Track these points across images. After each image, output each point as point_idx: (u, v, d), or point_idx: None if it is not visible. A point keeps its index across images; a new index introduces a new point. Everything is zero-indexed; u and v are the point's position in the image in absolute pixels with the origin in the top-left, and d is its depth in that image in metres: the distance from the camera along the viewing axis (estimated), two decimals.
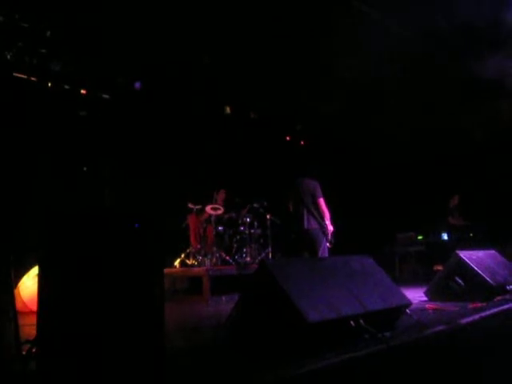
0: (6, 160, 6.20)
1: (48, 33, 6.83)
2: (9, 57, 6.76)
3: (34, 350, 2.26)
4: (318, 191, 6.29)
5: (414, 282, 8.37)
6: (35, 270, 5.45)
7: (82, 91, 7.78)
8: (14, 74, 7.02)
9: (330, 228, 6.19)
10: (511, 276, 5.48)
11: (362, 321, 2.94)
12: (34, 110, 6.99)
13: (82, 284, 1.89)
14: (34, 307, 2.07)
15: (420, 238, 10.32)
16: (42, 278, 1.97)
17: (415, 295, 5.32)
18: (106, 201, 2.34)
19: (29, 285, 5.26)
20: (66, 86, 7.58)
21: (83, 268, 1.90)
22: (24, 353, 2.39)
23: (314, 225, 6.20)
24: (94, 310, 1.87)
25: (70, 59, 7.35)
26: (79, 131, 7.25)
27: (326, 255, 6.16)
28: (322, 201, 6.24)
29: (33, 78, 7.18)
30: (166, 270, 6.93)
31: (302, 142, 11.70)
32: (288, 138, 11.43)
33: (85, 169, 2.39)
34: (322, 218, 6.20)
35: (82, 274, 1.90)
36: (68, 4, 6.37)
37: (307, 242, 6.24)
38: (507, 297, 4.80)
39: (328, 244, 6.22)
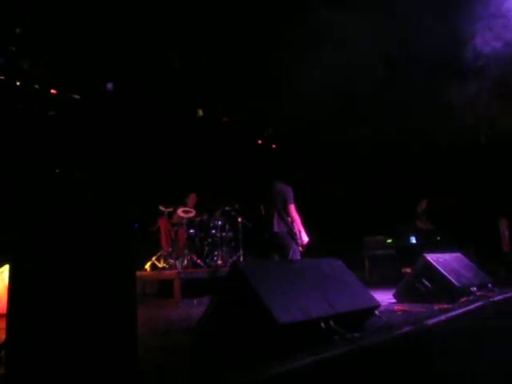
0: None
1: (18, 30, 6.71)
2: None
3: (1, 355, 2.23)
4: (290, 197, 6.29)
5: (383, 285, 8.50)
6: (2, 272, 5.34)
7: (52, 91, 7.66)
8: None
9: (305, 239, 6.22)
10: (476, 278, 5.64)
11: (332, 322, 2.99)
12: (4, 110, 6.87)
13: (53, 287, 1.87)
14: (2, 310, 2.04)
15: (389, 241, 10.49)
16: (12, 280, 1.94)
17: (384, 297, 5.41)
18: (75, 203, 2.33)
19: None
20: (36, 86, 7.46)
21: (54, 271, 1.89)
22: None
23: (283, 228, 6.21)
24: (65, 314, 1.85)
25: (39, 58, 7.23)
26: (48, 132, 7.14)
27: (297, 257, 6.15)
28: (292, 207, 6.26)
29: (1, 77, 7.05)
30: (136, 273, 6.87)
31: (274, 146, 11.77)
32: (260, 142, 11.48)
33: (57, 171, 2.36)
34: (292, 222, 6.22)
35: (52, 277, 1.88)
36: (38, 1, 6.28)
37: (276, 245, 6.26)
38: (472, 298, 4.94)
39: (300, 248, 6.23)
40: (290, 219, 6.22)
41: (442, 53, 7.59)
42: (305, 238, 6.23)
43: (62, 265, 1.89)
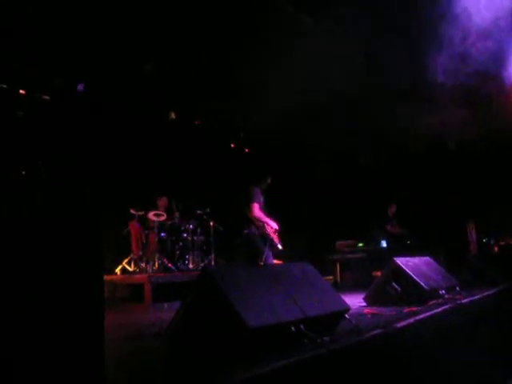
0: None
1: None
2: None
3: None
4: (251, 196, 6.19)
5: (354, 288, 8.58)
6: None
7: (21, 91, 7.51)
8: None
9: (271, 230, 6.14)
10: (444, 281, 5.74)
11: (302, 326, 2.99)
12: None
13: (13, 291, 1.82)
14: None
15: (360, 245, 10.60)
16: None
17: (355, 301, 5.46)
18: (42, 205, 2.28)
19: None
20: (4, 86, 7.30)
21: (15, 274, 1.84)
22: None
23: (254, 231, 6.16)
24: (27, 319, 1.80)
25: (7, 57, 7.08)
26: (16, 132, 7.00)
27: (270, 261, 6.13)
28: (253, 206, 6.14)
29: None
30: (106, 277, 6.78)
31: (247, 150, 11.79)
32: (232, 146, 11.49)
33: (23, 172, 2.31)
34: (264, 224, 6.15)
35: (13, 281, 1.83)
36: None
37: (246, 248, 6.25)
38: (440, 301, 5.02)
39: (280, 246, 6.17)
40: (257, 220, 6.14)
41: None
42: (270, 231, 6.16)
43: (23, 268, 1.84)
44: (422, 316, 4.13)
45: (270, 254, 6.18)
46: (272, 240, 6.12)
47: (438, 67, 7.36)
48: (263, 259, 6.00)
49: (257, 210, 6.14)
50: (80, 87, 8.18)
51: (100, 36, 6.82)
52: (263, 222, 6.14)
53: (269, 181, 6.47)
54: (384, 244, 10.25)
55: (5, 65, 7.11)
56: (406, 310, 4.50)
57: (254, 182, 6.39)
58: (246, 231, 6.18)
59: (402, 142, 10.45)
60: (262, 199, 6.33)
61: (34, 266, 1.84)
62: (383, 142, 11.03)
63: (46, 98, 7.92)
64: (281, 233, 6.39)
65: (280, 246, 6.18)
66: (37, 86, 7.69)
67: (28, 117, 7.45)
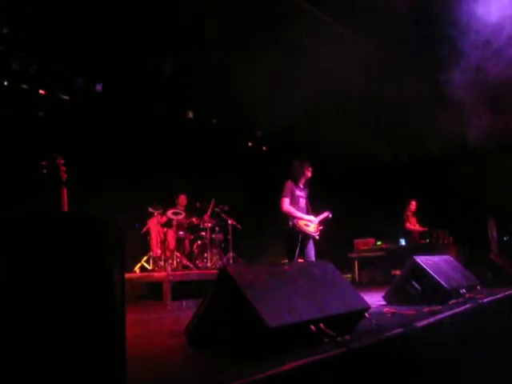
0: None
1: (4, 30, 6.65)
2: None
3: None
4: (282, 191, 6.07)
5: (372, 287, 8.54)
6: None
7: (41, 91, 7.61)
8: None
9: (302, 225, 5.92)
10: (465, 280, 5.67)
11: (321, 325, 2.98)
12: None
13: (36, 291, 1.84)
14: None
15: (379, 243, 10.53)
16: None
17: (374, 299, 5.42)
18: (63, 204, 2.31)
19: None
20: (25, 86, 7.41)
21: (38, 272, 1.86)
22: None
23: (288, 226, 5.99)
24: (49, 317, 1.82)
25: (28, 58, 7.18)
26: (37, 131, 7.10)
27: (309, 257, 6.00)
28: (282, 200, 6.01)
29: None
30: (125, 275, 6.83)
31: (264, 148, 11.79)
32: (250, 144, 11.50)
33: (44, 171, 2.34)
34: (292, 218, 5.95)
35: (36, 280, 1.85)
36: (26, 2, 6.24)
37: (285, 243, 6.06)
38: (461, 300, 4.96)
39: (316, 236, 6.00)
40: (291, 216, 5.96)
41: None
42: (308, 220, 6.00)
43: (46, 266, 1.86)
44: (442, 315, 4.08)
45: (310, 249, 6.03)
46: (304, 236, 5.94)
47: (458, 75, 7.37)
48: (297, 255, 5.84)
49: (285, 205, 5.99)
50: (98, 87, 8.26)
51: (119, 35, 6.87)
52: (294, 217, 5.96)
53: (305, 173, 6.20)
54: (403, 242, 10.17)
55: (26, 65, 7.22)
56: (426, 309, 4.45)
57: (288, 175, 6.21)
58: (283, 227, 6.04)
59: (423, 139, 10.31)
60: (297, 193, 6.14)
61: (57, 265, 1.86)
62: (403, 139, 10.91)
63: (66, 97, 8.01)
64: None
65: (313, 239, 6.00)
66: (57, 86, 7.78)
67: (48, 116, 7.56)
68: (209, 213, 8.59)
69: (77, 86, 8.04)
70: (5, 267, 1.84)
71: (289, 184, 6.10)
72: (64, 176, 2.54)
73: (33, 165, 2.60)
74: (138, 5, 6.40)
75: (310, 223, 6.05)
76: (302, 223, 5.97)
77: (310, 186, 6.43)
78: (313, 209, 6.27)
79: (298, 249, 5.82)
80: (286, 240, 6.03)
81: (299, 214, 6.02)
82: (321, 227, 6.17)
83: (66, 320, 1.82)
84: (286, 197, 6.02)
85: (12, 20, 6.61)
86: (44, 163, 2.55)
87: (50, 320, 1.80)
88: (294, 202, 6.07)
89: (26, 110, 7.39)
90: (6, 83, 7.23)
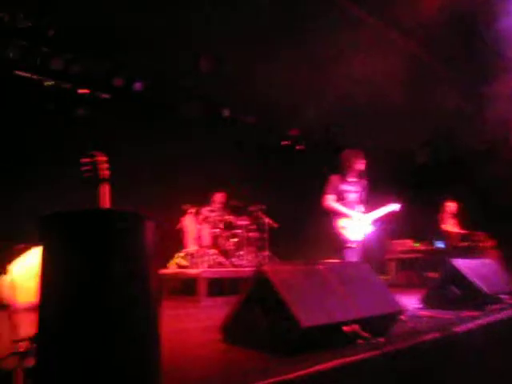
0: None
1: (50, 32, 6.85)
2: (11, 55, 6.78)
3: (32, 347, 2.27)
4: (325, 186, 5.62)
5: (409, 289, 8.39)
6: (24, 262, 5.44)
7: (83, 90, 7.81)
8: (16, 73, 7.06)
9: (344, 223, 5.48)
10: (506, 285, 5.50)
11: (355, 326, 2.96)
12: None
13: (84, 281, 1.90)
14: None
15: (416, 245, 10.35)
16: (44, 273, 1.98)
17: (410, 302, 5.33)
18: (104, 200, 2.39)
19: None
20: (67, 85, 7.62)
21: (86, 265, 1.92)
22: (22, 350, 2.39)
23: (329, 226, 5.61)
24: (96, 308, 1.88)
25: (71, 58, 7.39)
26: (78, 130, 7.29)
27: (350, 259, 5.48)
28: (324, 198, 5.58)
29: (34, 77, 7.22)
30: (161, 271, 6.95)
31: (299, 147, 11.77)
32: (285, 143, 11.50)
33: (87, 168, 2.41)
34: (334, 215, 5.54)
35: (84, 271, 1.91)
36: (70, 3, 6.40)
37: (330, 242, 5.68)
38: (501, 306, 4.82)
39: (353, 244, 5.49)
40: (333, 213, 5.55)
41: None
42: (354, 218, 5.54)
43: (91, 260, 1.92)
44: (482, 321, 3.97)
45: (353, 255, 5.54)
46: (339, 238, 5.52)
47: None
48: (341, 255, 5.49)
49: (325, 201, 5.57)
50: (138, 85, 8.41)
51: (157, 35, 6.97)
52: (336, 214, 5.55)
53: (352, 166, 5.67)
54: (441, 244, 9.96)
55: (68, 65, 7.42)
56: (464, 314, 4.34)
57: (334, 170, 5.76)
58: (327, 225, 5.64)
59: (462, 139, 10.07)
60: (344, 188, 5.67)
61: (97, 259, 1.91)
62: (442, 139, 10.68)
63: (106, 96, 8.20)
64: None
65: (350, 240, 5.50)
66: (97, 84, 7.97)
67: (89, 115, 7.76)
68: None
69: (134, 89, 8.24)
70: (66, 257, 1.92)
71: (332, 179, 5.66)
72: (106, 173, 2.60)
73: (76, 162, 2.67)
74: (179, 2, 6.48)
75: (357, 226, 5.57)
76: (345, 226, 5.52)
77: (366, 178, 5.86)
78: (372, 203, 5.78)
79: (342, 250, 5.46)
80: (331, 239, 5.66)
81: (343, 210, 5.56)
82: (373, 229, 5.68)
83: (108, 313, 1.87)
84: (327, 193, 5.60)
85: (57, 23, 6.81)
86: (85, 160, 2.62)
87: (96, 313, 1.86)
88: (340, 197, 5.61)
89: (68, 109, 7.60)
90: (49, 83, 7.45)
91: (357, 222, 5.59)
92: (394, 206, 5.89)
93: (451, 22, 6.54)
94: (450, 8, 6.23)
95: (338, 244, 5.52)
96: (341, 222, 5.55)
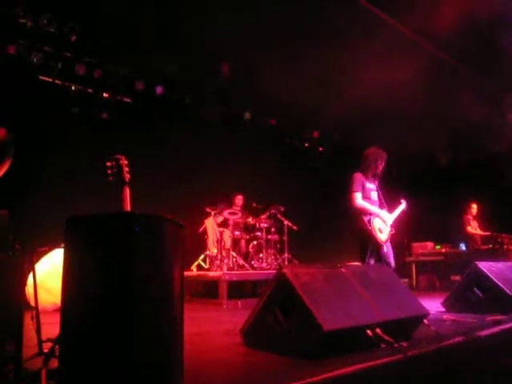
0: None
1: (73, 37, 6.96)
2: (35, 60, 6.91)
3: (55, 349, 2.30)
4: (350, 184, 5.30)
5: (431, 292, 8.30)
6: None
7: (105, 94, 7.91)
8: (40, 78, 7.19)
9: (375, 224, 5.16)
10: None
11: (378, 330, 2.93)
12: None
13: (107, 283, 1.93)
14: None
15: (438, 247, 10.23)
16: (67, 275, 2.01)
17: (432, 305, 5.27)
18: (126, 203, 2.42)
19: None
20: (90, 90, 7.73)
21: (109, 267, 1.94)
22: (46, 351, 2.43)
23: (357, 226, 5.26)
24: (119, 310, 1.90)
25: (94, 63, 7.50)
26: (102, 133, 7.40)
27: (388, 259, 5.21)
28: (353, 196, 5.22)
29: (57, 82, 7.34)
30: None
31: (321, 149, 11.73)
32: (306, 145, 11.48)
33: (109, 171, 2.45)
34: (364, 215, 5.19)
35: (107, 274, 1.93)
36: (94, 9, 6.51)
37: (358, 244, 5.31)
38: None
39: (384, 247, 5.18)
40: (359, 212, 5.23)
41: None
42: (384, 218, 5.30)
43: (115, 261, 1.94)
44: (507, 325, 3.90)
45: (388, 251, 5.27)
46: (373, 237, 5.15)
47: None
48: (367, 259, 5.15)
49: (357, 200, 5.21)
50: (159, 89, 8.49)
51: (179, 39, 7.04)
52: (369, 214, 5.23)
53: (377, 165, 5.42)
54: (463, 247, 9.82)
55: (90, 70, 7.54)
56: (488, 318, 4.27)
57: (357, 167, 5.48)
58: (354, 227, 5.33)
59: (485, 140, 9.92)
60: (368, 185, 5.39)
61: (121, 261, 1.94)
62: (466, 140, 10.52)
63: (128, 100, 8.29)
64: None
65: (381, 242, 5.17)
66: (119, 89, 8.07)
67: (112, 118, 7.87)
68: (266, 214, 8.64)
69: (155, 93, 8.34)
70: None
71: (358, 176, 5.35)
72: (127, 176, 2.63)
73: (98, 165, 2.71)
74: (199, 7, 6.52)
75: (385, 225, 5.33)
76: (376, 226, 5.22)
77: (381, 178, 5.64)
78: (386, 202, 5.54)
79: (369, 250, 5.14)
80: (357, 241, 5.31)
81: (374, 209, 5.30)
82: (393, 231, 5.41)
83: (131, 315, 1.89)
84: (357, 191, 5.24)
85: (80, 28, 6.92)
86: (108, 163, 2.65)
87: (119, 315, 1.89)
88: (366, 195, 5.32)
89: (91, 113, 7.71)
90: (73, 87, 7.57)
91: (385, 222, 5.39)
92: (403, 205, 5.69)
93: (472, 27, 6.49)
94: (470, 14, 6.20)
95: (371, 243, 5.16)
96: (374, 221, 5.24)
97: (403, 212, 5.66)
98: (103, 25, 6.91)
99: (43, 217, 6.13)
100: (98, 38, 7.09)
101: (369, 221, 5.19)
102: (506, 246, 9.06)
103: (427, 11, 6.37)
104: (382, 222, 5.34)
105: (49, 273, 5.50)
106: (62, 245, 2.08)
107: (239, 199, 8.77)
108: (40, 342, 2.67)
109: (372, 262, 5.15)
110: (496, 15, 6.40)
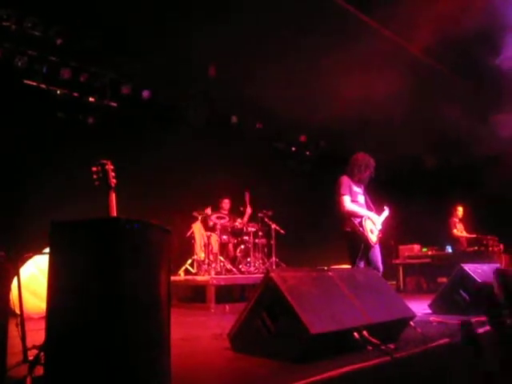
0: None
1: (58, 41, 6.91)
2: (19, 64, 6.85)
3: (41, 356, 2.28)
4: (338, 188, 5.29)
5: (417, 295, 8.36)
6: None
7: (91, 99, 7.87)
8: (25, 82, 7.13)
9: (367, 227, 5.16)
10: None
11: (365, 332, 2.95)
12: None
13: (93, 288, 1.92)
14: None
15: (424, 250, 10.30)
16: (53, 280, 1.99)
17: (419, 308, 5.31)
18: (111, 208, 2.42)
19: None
20: (75, 94, 7.68)
21: (95, 272, 1.93)
22: (31, 358, 2.41)
23: (347, 228, 5.22)
24: (105, 315, 1.89)
25: (80, 67, 7.45)
26: (85, 138, 7.35)
27: (376, 263, 5.21)
28: (342, 199, 5.20)
29: (42, 86, 7.29)
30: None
31: (308, 153, 11.77)
32: (293, 149, 11.51)
33: (94, 176, 2.43)
34: (355, 218, 5.19)
35: (94, 279, 1.92)
36: (79, 12, 6.48)
37: (347, 247, 5.28)
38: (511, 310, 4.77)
39: (374, 249, 5.22)
40: (354, 216, 5.20)
41: None
42: (375, 220, 5.32)
43: (101, 267, 1.93)
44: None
45: (377, 254, 5.29)
46: (365, 238, 5.13)
47: None
48: (358, 261, 5.12)
49: (346, 204, 5.20)
50: (145, 93, 8.46)
51: (167, 42, 7.03)
52: (359, 217, 5.22)
53: (366, 171, 5.43)
54: (449, 249, 9.90)
55: (76, 74, 7.49)
56: (474, 319, 4.31)
57: (344, 171, 5.48)
58: (343, 229, 5.28)
59: (470, 143, 10.04)
60: (355, 189, 5.41)
61: (107, 267, 1.93)
62: (449, 144, 10.64)
63: (114, 104, 8.25)
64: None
65: (372, 243, 5.18)
66: (105, 93, 8.03)
67: (98, 122, 7.83)
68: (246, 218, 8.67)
69: (141, 97, 8.32)
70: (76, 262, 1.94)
71: (345, 179, 5.35)
72: (113, 181, 2.62)
73: (84, 170, 2.70)
74: (188, 12, 6.53)
75: (375, 227, 5.34)
76: (368, 227, 5.22)
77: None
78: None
79: (360, 253, 5.10)
80: (347, 243, 5.28)
81: (364, 212, 5.33)
82: (380, 234, 5.42)
83: (116, 320, 1.88)
84: (345, 194, 5.24)
85: (65, 31, 6.88)
86: (94, 169, 2.64)
87: (105, 320, 1.87)
88: (353, 199, 5.33)
89: (77, 117, 7.67)
90: (58, 92, 7.52)
91: (375, 224, 5.40)
92: (387, 212, 5.71)
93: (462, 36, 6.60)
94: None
95: (363, 244, 5.13)
96: (366, 223, 5.23)
97: (387, 218, 5.66)
98: (88, 28, 6.86)
99: (28, 222, 6.07)
100: (84, 42, 7.04)
101: (360, 222, 5.18)
102: (491, 248, 9.16)
103: (408, 17, 6.44)
104: (373, 224, 5.35)
105: (34, 276, 5.45)
106: (47, 249, 2.06)
107: (226, 203, 8.76)
108: (25, 350, 2.64)
109: (362, 264, 5.15)
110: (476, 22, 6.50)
